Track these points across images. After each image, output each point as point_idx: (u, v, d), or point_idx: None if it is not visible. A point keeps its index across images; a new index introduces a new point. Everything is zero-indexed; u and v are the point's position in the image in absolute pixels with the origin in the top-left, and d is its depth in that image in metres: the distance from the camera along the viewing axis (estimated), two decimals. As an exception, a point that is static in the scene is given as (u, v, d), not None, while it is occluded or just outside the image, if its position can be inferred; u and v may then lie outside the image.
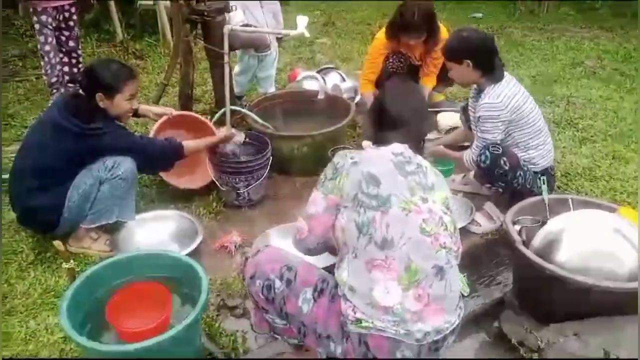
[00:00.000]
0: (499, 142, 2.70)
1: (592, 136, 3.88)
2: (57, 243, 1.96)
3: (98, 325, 1.92)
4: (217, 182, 3.03)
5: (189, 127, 3.08)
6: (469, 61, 2.71)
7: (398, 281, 1.69)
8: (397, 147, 1.84)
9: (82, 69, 4.28)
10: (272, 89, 3.99)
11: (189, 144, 2.81)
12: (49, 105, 2.73)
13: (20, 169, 2.56)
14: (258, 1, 3.61)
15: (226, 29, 3.03)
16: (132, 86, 2.54)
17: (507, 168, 2.64)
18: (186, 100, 3.24)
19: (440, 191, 1.83)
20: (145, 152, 2.61)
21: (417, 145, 1.95)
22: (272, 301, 1.89)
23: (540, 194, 2.71)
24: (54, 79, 4.08)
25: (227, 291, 2.47)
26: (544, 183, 2.56)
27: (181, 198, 3.08)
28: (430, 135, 3.77)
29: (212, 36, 3.08)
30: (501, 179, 2.67)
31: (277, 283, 1.87)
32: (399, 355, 1.71)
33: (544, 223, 2.33)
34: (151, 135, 2.95)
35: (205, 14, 2.96)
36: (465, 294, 2.40)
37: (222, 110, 3.25)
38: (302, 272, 1.88)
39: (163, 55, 5.21)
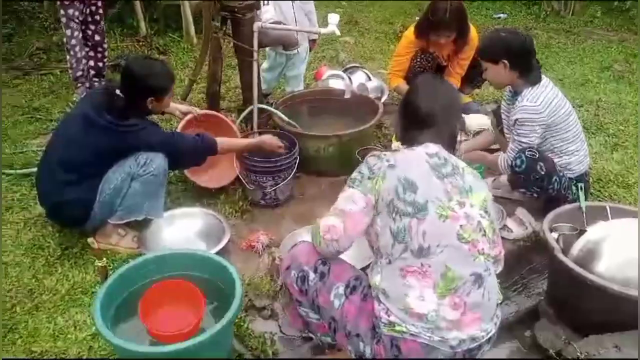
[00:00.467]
0: (535, 146, 2.64)
1: (623, 142, 3.79)
2: (91, 241, 1.95)
3: (129, 323, 1.90)
4: (243, 181, 2.99)
5: (212, 127, 3.04)
6: (505, 61, 2.65)
7: (434, 288, 1.66)
8: (431, 148, 1.79)
9: (108, 64, 4.31)
10: (299, 88, 3.94)
11: (224, 141, 2.78)
12: (81, 99, 2.70)
13: (50, 163, 2.55)
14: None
15: (256, 26, 3.00)
16: (173, 85, 2.58)
17: (543, 173, 2.58)
18: (213, 98, 3.21)
19: (479, 193, 1.78)
20: (177, 147, 2.59)
21: (451, 144, 1.87)
22: (305, 293, 1.89)
23: (575, 200, 2.66)
24: (79, 73, 4.07)
25: (255, 292, 2.43)
26: (581, 190, 2.50)
27: (207, 196, 3.05)
28: (458, 138, 3.71)
29: (241, 33, 3.05)
30: (536, 184, 2.61)
31: (311, 275, 1.87)
32: None
33: (581, 231, 2.27)
34: None
35: (236, 10, 2.92)
36: (499, 301, 2.38)
37: (250, 108, 3.22)
38: (337, 267, 1.87)
39: (186, 51, 5.19)
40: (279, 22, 3.30)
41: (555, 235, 2.26)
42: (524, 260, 2.67)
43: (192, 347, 1.66)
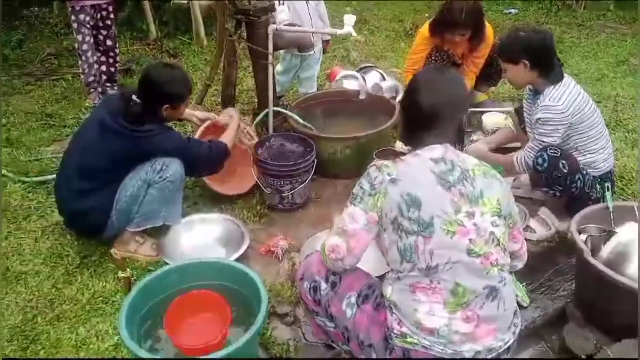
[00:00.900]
0: (556, 144, 2.59)
1: (644, 138, 3.73)
2: (114, 252, 1.92)
3: (154, 335, 1.87)
4: (261, 185, 2.97)
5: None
6: (526, 61, 2.59)
7: (444, 304, 1.61)
8: (436, 151, 1.68)
9: (119, 68, 4.29)
10: (313, 90, 3.91)
11: (228, 140, 2.79)
12: (97, 106, 2.69)
13: (68, 171, 2.54)
14: (305, 0, 3.53)
15: (271, 28, 2.96)
16: (191, 94, 2.57)
17: (566, 172, 2.52)
18: (228, 102, 3.18)
19: (491, 197, 1.67)
20: (193, 154, 2.57)
21: (459, 139, 1.77)
22: (319, 303, 1.87)
23: (600, 199, 2.62)
24: (91, 79, 4.06)
25: (277, 298, 2.40)
26: (608, 190, 2.44)
27: (224, 201, 3.03)
28: (474, 137, 3.66)
29: (256, 36, 3.01)
30: (559, 183, 2.55)
31: (323, 285, 1.85)
32: None
33: (610, 233, 2.22)
34: None
35: (251, 13, 2.89)
36: (526, 305, 2.34)
37: (265, 111, 3.19)
38: (349, 277, 1.83)
39: (197, 54, 5.17)
40: (294, 24, 3.27)
41: (583, 237, 2.21)
42: (549, 262, 2.61)
43: None
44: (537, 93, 2.70)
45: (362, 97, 3.48)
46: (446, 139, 1.71)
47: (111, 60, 4.15)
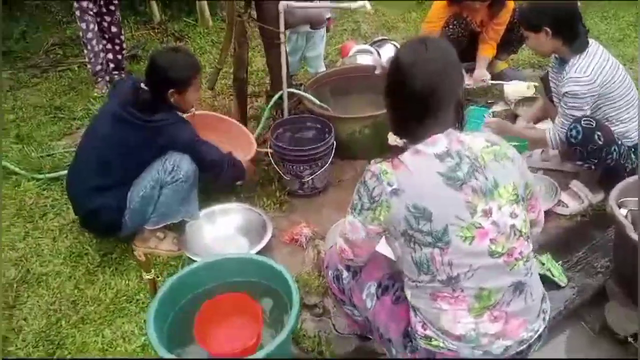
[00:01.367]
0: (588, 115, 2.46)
1: (673, 100, 3.56)
2: (138, 254, 1.84)
3: (183, 337, 1.81)
4: (279, 171, 2.87)
5: (209, 127, 2.87)
6: (547, 29, 2.45)
7: (469, 310, 1.50)
8: (439, 144, 1.46)
9: (125, 55, 4.18)
10: (322, 68, 3.78)
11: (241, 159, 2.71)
12: (108, 97, 2.59)
13: (81, 167, 2.46)
14: None
15: (282, 5, 2.83)
16: (199, 76, 2.45)
17: (601, 143, 2.40)
18: (241, 84, 3.07)
19: (506, 184, 1.49)
20: (201, 153, 2.45)
21: (458, 118, 1.53)
22: (343, 291, 1.82)
23: (634, 170, 2.49)
24: (98, 67, 3.95)
25: (304, 288, 2.33)
26: (645, 160, 2.32)
27: (243, 188, 2.94)
28: (497, 107, 3.53)
29: (266, 15, 2.88)
30: (594, 156, 2.43)
31: (345, 273, 1.79)
32: None
33: (651, 206, 2.11)
34: None
35: (261, -9, 2.76)
36: (563, 285, 2.25)
37: (279, 93, 3.07)
38: (370, 264, 1.75)
39: (203, 35, 5.03)
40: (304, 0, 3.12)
41: (624, 211, 2.10)
42: (584, 237, 2.51)
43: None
44: (562, 62, 2.57)
45: (377, 72, 3.34)
46: (445, 122, 1.50)
47: (117, 47, 4.03)
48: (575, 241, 2.49)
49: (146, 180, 2.37)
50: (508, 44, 3.61)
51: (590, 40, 2.51)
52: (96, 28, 3.84)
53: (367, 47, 3.75)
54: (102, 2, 3.82)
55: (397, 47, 3.77)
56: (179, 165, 2.37)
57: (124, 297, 2.32)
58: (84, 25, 3.79)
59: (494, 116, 3.24)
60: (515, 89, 3.49)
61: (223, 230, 2.63)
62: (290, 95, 3.12)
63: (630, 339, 2.01)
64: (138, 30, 5.12)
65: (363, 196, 1.51)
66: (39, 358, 2.10)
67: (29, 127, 3.68)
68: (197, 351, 1.78)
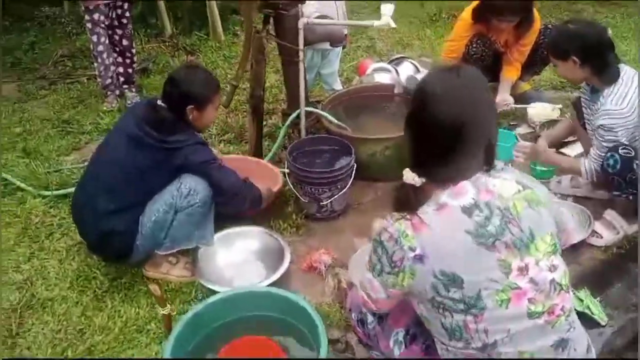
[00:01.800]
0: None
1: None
2: (154, 288, 1.72)
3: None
4: (297, 193, 2.75)
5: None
6: (575, 58, 2.37)
7: None
8: (465, 193, 1.31)
9: (136, 69, 4.09)
10: (338, 85, 3.68)
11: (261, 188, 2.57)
12: (122, 116, 2.48)
13: (90, 188, 2.33)
14: None
15: (301, 22, 2.73)
16: (219, 95, 2.38)
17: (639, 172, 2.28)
18: (257, 102, 2.95)
19: (543, 234, 1.34)
20: (218, 178, 2.33)
21: (489, 159, 1.38)
22: (368, 336, 1.70)
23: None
24: (108, 81, 3.86)
25: (325, 321, 2.18)
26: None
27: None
28: (520, 130, 3.41)
29: (285, 31, 2.78)
30: (633, 186, 2.31)
31: (370, 318, 1.68)
32: None
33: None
34: None
35: (280, 6, 2.65)
36: (604, 323, 2.11)
37: (297, 112, 2.96)
38: (396, 309, 1.59)
39: (215, 49, 4.95)
40: (324, 16, 3.02)
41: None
42: (620, 270, 2.38)
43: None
44: (594, 90, 2.46)
45: (397, 90, 3.23)
46: (474, 164, 1.35)
47: (128, 61, 3.94)
48: (611, 275, 2.36)
49: (159, 204, 2.25)
50: (532, 65, 3.51)
51: (623, 67, 2.41)
52: (107, 41, 3.75)
53: (385, 65, 3.65)
54: (114, 15, 3.73)
55: (415, 65, 3.70)
56: (195, 190, 2.25)
57: (134, 327, 2.19)
58: (94, 38, 3.70)
59: (518, 138, 3.14)
60: (540, 111, 3.38)
61: (238, 255, 2.51)
62: (308, 114, 3.01)
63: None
64: (149, 43, 5.05)
65: (382, 258, 1.37)
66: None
67: (36, 141, 3.58)
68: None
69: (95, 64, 3.85)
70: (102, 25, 3.69)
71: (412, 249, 1.31)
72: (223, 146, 3.44)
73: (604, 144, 2.36)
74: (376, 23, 2.69)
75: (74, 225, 2.68)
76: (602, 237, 2.50)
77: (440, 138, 1.32)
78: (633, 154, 2.28)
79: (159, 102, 2.31)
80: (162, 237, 2.32)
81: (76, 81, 4.43)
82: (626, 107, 2.30)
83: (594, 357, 1.51)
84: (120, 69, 3.95)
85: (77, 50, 4.90)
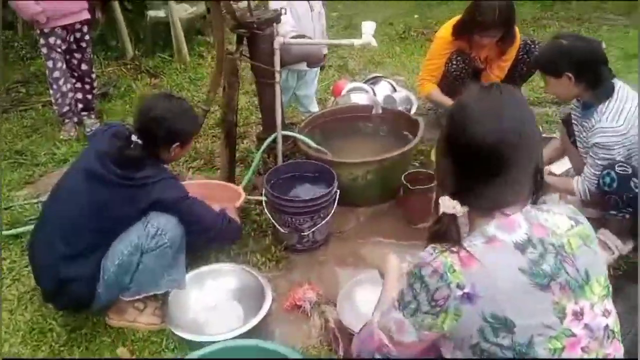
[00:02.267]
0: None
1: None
2: (121, 351, 1.48)
3: None
4: (275, 224, 2.54)
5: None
6: (569, 74, 2.27)
7: None
8: (517, 228, 1.17)
9: (96, 94, 3.84)
10: (314, 108, 3.52)
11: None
12: (84, 150, 2.22)
13: (47, 231, 2.07)
14: (307, 2, 3.11)
15: (277, 42, 2.55)
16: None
17: (637, 191, 2.16)
18: (230, 127, 2.75)
19: (597, 274, 1.21)
20: (196, 213, 2.13)
21: (537, 189, 1.24)
22: None
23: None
24: (65, 109, 3.60)
25: (314, 367, 1.99)
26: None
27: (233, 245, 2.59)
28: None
29: (260, 52, 2.60)
30: (630, 204, 2.19)
31: None
32: None
33: None
34: None
35: (254, 26, 2.47)
36: None
37: (273, 136, 2.77)
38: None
39: (180, 72, 4.73)
40: (301, 35, 2.86)
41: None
42: (619, 295, 2.24)
43: None
44: (586, 106, 2.36)
45: (377, 111, 3.08)
46: (522, 190, 1.21)
47: (87, 87, 3.69)
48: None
49: (124, 246, 2.00)
50: (510, 82, 3.40)
51: (618, 82, 2.32)
52: (64, 66, 3.50)
53: (361, 85, 3.51)
54: (72, 39, 3.49)
55: (392, 85, 3.56)
56: (163, 229, 2.02)
57: (98, 387, 1.93)
58: (50, 64, 3.44)
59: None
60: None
61: (213, 297, 2.28)
62: (284, 138, 2.82)
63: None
64: (109, 67, 4.80)
65: (419, 295, 1.19)
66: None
67: (-16, 176, 3.28)
68: None
69: (51, 91, 3.58)
70: (59, 50, 3.44)
71: (460, 287, 1.14)
72: (192, 174, 3.22)
73: (599, 162, 2.25)
74: (357, 42, 2.54)
75: (27, 268, 2.42)
76: (599, 260, 2.37)
77: (485, 161, 1.18)
78: (630, 171, 2.17)
79: (134, 138, 2.06)
80: (127, 281, 2.07)
81: (30, 108, 4.14)
82: (622, 124, 2.20)
83: None
84: (79, 95, 3.69)
85: (31, 76, 4.61)
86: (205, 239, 2.23)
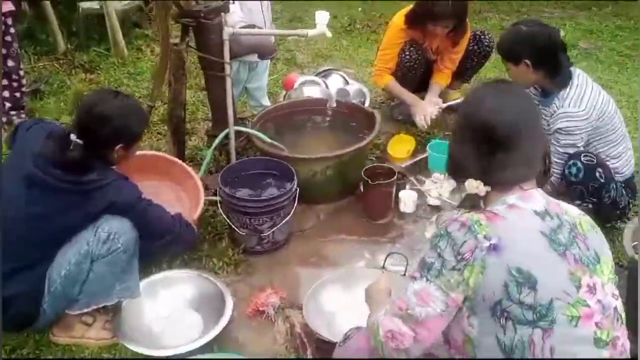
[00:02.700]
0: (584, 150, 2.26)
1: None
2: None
3: None
4: (232, 225, 2.41)
5: (146, 168, 2.40)
6: (527, 61, 2.28)
7: None
8: (535, 200, 1.28)
9: (25, 91, 3.54)
10: (266, 101, 3.39)
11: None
12: (12, 154, 2.00)
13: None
14: None
15: (226, 33, 2.41)
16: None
17: (602, 181, 2.20)
18: (178, 123, 2.59)
19: (606, 259, 1.28)
20: (151, 216, 1.98)
21: (545, 177, 1.39)
22: None
23: (626, 206, 2.32)
24: (-9, 108, 3.29)
25: (283, 376, 1.88)
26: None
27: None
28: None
29: (208, 43, 2.44)
30: (595, 194, 2.22)
31: None
32: None
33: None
34: None
35: (202, 15, 2.31)
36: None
37: (225, 132, 2.62)
38: None
39: (117, 66, 4.45)
40: (252, 26, 2.72)
41: (644, 258, 1.87)
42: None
43: None
44: (545, 94, 2.38)
45: (332, 105, 3.00)
46: (534, 167, 1.33)
47: (15, 84, 3.39)
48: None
49: (71, 254, 1.82)
50: (461, 74, 3.41)
51: (576, 70, 2.35)
52: (-13, 62, 3.19)
53: (313, 78, 3.41)
54: (-5, 32, 3.18)
55: (344, 77, 3.48)
56: (116, 232, 1.85)
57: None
58: (-28, 58, 3.13)
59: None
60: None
61: (169, 307, 2.13)
62: (237, 134, 2.68)
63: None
64: (39, 62, 4.45)
65: (445, 252, 1.22)
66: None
67: None
68: None
69: (-26, 89, 3.27)
70: (-20, 43, 3.13)
71: (487, 238, 1.20)
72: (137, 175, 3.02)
73: (560, 149, 2.26)
74: (311, 32, 2.45)
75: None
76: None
77: (503, 139, 1.30)
78: (595, 161, 2.19)
79: (73, 137, 1.85)
80: (75, 293, 1.89)
81: (-49, 108, 3.77)
82: (585, 110, 2.23)
83: None
84: (6, 93, 3.37)
85: (-50, 72, 4.21)
86: (161, 244, 2.07)
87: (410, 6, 3.08)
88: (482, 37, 3.27)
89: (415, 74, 3.21)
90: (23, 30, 4.61)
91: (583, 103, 2.23)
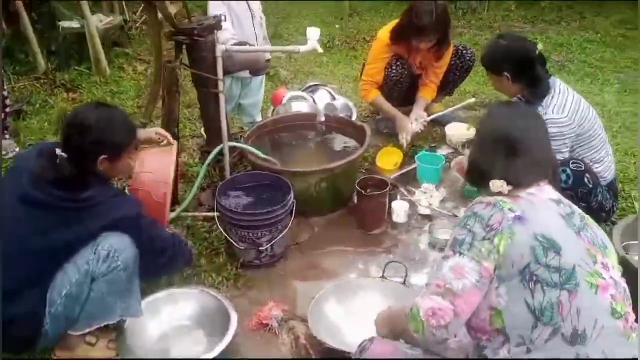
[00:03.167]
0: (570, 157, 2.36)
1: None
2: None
3: None
4: (230, 239, 2.42)
5: None
6: (507, 73, 2.40)
7: None
8: (551, 192, 1.46)
9: (9, 112, 3.50)
10: (259, 117, 3.42)
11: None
12: (8, 173, 1.98)
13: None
14: (248, 8, 3.01)
15: (219, 50, 2.44)
16: (136, 140, 1.97)
17: (590, 186, 2.29)
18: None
19: (612, 249, 1.44)
20: (151, 233, 1.97)
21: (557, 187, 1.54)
22: None
23: (611, 209, 2.42)
24: (-26, 129, 3.23)
25: (291, 387, 1.90)
26: (636, 200, 2.24)
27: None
28: (441, 151, 3.38)
29: (201, 60, 2.47)
30: (584, 199, 2.31)
31: None
32: None
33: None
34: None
35: (195, 32, 2.34)
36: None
37: (219, 147, 2.64)
38: None
39: (100, 85, 4.44)
40: (243, 43, 2.76)
41: (635, 257, 1.96)
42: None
43: None
44: (529, 103, 2.47)
45: (321, 119, 3.05)
46: (545, 171, 1.50)
47: (-2, 104, 3.35)
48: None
49: (71, 275, 1.80)
50: (444, 87, 3.50)
51: (556, 80, 2.46)
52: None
53: (301, 93, 3.46)
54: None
55: (330, 93, 3.54)
56: (116, 249, 1.83)
57: None
58: (-45, 79, 3.09)
59: (446, 158, 3.11)
60: (457, 132, 3.38)
61: (173, 323, 2.12)
62: (231, 149, 2.70)
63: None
64: (19, 82, 4.40)
65: (474, 227, 1.36)
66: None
67: None
68: None
69: (-43, 110, 3.22)
70: (-37, 63, 3.10)
71: (512, 210, 1.35)
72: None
73: None
74: (302, 48, 2.50)
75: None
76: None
77: (519, 148, 1.48)
78: (583, 167, 2.29)
79: (58, 151, 1.84)
80: (76, 313, 1.86)
81: None
82: (567, 116, 2.33)
83: None
84: (-10, 114, 3.33)
85: None
86: (161, 261, 2.04)
87: (394, 22, 3.17)
88: (464, 51, 3.37)
89: (401, 88, 3.28)
90: (1, 50, 4.57)
91: (565, 110, 2.33)
